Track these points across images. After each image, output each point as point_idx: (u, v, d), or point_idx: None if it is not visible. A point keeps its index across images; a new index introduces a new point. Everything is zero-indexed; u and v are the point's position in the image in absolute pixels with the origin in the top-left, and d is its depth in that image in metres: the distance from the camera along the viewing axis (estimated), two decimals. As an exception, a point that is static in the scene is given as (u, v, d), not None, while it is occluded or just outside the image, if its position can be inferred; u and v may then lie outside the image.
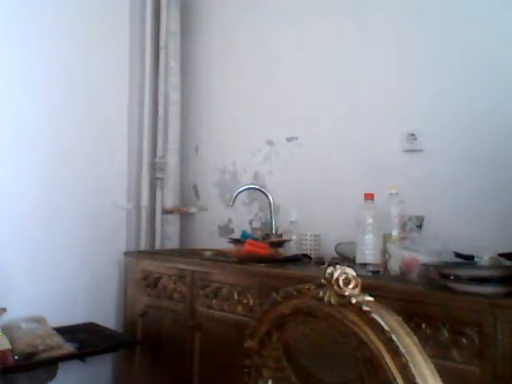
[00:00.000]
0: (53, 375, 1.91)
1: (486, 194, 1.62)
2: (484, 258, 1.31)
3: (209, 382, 1.82)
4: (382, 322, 0.81)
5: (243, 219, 2.40)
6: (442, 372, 0.80)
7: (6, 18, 2.09)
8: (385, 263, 1.49)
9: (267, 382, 1.04)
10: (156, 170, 2.57)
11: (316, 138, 2.13)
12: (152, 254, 2.30)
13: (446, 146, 1.72)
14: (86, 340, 2.01)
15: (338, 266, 0.90)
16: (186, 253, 2.25)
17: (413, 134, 1.80)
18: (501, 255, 1.29)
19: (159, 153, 2.57)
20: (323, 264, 1.73)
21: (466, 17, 1.72)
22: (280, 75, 2.29)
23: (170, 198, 2.57)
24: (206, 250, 2.35)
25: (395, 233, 1.53)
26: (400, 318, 0.84)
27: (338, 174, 2.03)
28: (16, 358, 1.73)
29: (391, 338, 0.79)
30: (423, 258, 1.35)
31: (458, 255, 1.43)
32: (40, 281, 2.13)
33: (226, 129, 2.53)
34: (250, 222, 2.38)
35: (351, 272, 0.89)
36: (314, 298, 0.92)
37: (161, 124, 2.58)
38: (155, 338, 2.07)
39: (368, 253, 1.50)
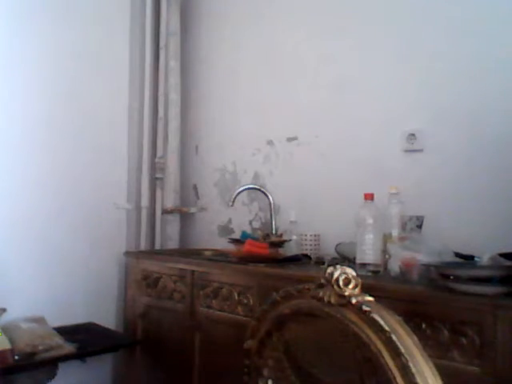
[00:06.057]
0: (53, 375, 1.90)
1: (486, 193, 1.62)
2: (484, 257, 1.31)
3: (209, 382, 1.82)
4: (382, 322, 0.81)
5: (243, 219, 2.40)
6: (441, 372, 0.80)
7: (6, 20, 2.09)
8: (385, 263, 1.49)
9: (267, 381, 1.05)
10: (156, 170, 2.57)
11: (316, 138, 2.13)
12: (152, 254, 2.30)
13: (446, 146, 1.72)
14: (85, 340, 2.01)
15: (338, 266, 0.90)
16: (186, 253, 2.25)
17: (413, 134, 1.80)
18: (501, 255, 1.29)
19: (159, 153, 2.57)
20: (323, 264, 1.72)
21: (465, 17, 1.71)
22: (280, 75, 2.29)
23: (170, 198, 2.56)
24: (206, 249, 2.35)
25: (395, 233, 1.52)
26: (400, 318, 0.84)
27: (337, 173, 2.03)
28: (16, 358, 1.73)
29: (391, 338, 0.79)
30: (423, 257, 1.35)
31: (458, 255, 1.43)
32: (40, 281, 2.13)
33: (226, 129, 2.53)
34: (250, 222, 2.38)
35: (351, 272, 0.90)
36: (314, 298, 0.92)
37: (161, 124, 2.57)
38: (155, 337, 2.07)
39: (368, 253, 1.50)
